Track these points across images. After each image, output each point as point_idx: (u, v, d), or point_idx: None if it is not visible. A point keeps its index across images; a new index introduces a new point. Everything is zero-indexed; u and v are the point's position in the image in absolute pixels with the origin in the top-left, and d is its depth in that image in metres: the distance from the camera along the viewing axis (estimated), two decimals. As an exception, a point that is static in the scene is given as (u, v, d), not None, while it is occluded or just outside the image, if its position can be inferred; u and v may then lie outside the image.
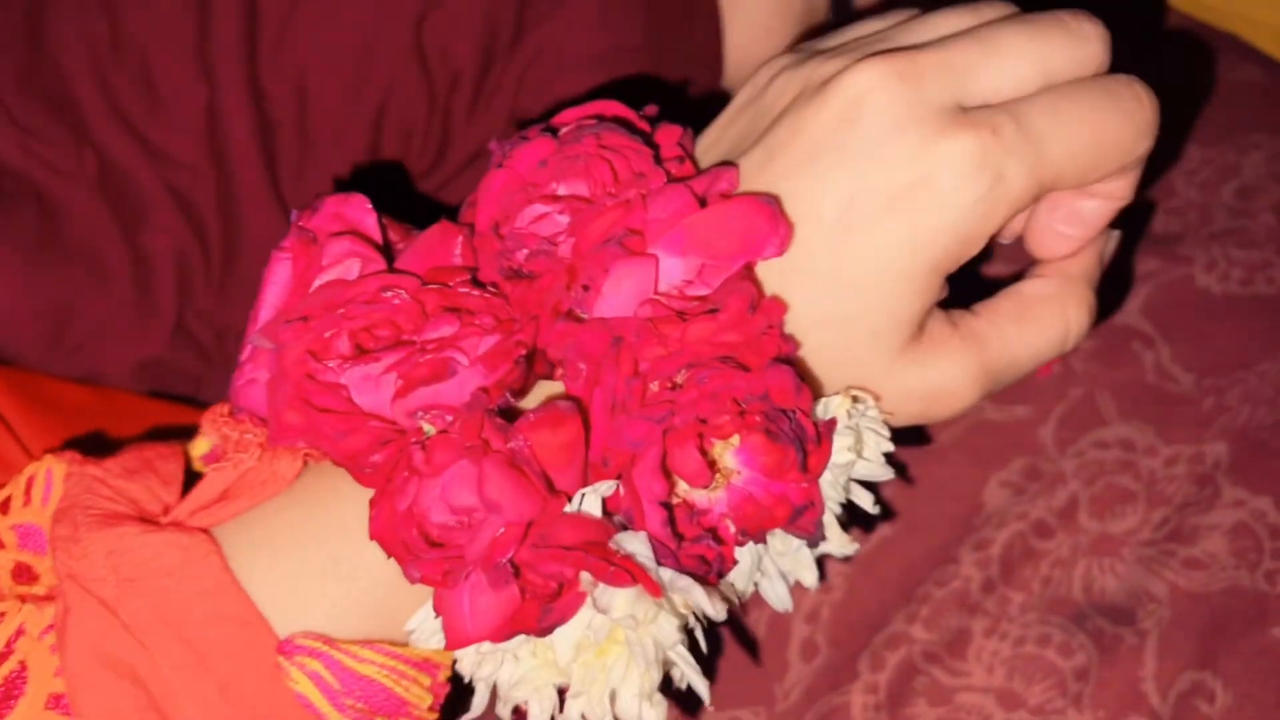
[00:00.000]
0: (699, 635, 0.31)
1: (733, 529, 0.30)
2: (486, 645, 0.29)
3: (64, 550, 0.30)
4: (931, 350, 0.33)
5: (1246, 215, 0.53)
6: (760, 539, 0.30)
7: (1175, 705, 0.40)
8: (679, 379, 0.29)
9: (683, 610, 0.30)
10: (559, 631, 0.29)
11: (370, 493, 0.29)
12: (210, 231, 0.46)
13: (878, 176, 0.30)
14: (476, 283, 0.31)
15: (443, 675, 0.31)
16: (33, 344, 0.45)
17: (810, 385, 0.31)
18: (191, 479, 0.33)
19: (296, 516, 0.31)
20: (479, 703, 0.30)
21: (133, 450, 0.34)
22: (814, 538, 0.30)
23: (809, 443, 0.29)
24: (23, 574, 0.31)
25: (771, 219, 0.30)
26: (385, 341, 0.30)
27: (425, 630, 0.30)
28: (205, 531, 0.31)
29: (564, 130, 0.32)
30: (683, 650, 0.30)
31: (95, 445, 0.39)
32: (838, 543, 0.32)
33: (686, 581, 0.29)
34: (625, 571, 0.28)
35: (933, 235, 0.30)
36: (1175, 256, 0.51)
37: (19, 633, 0.29)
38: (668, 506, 0.29)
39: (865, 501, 0.33)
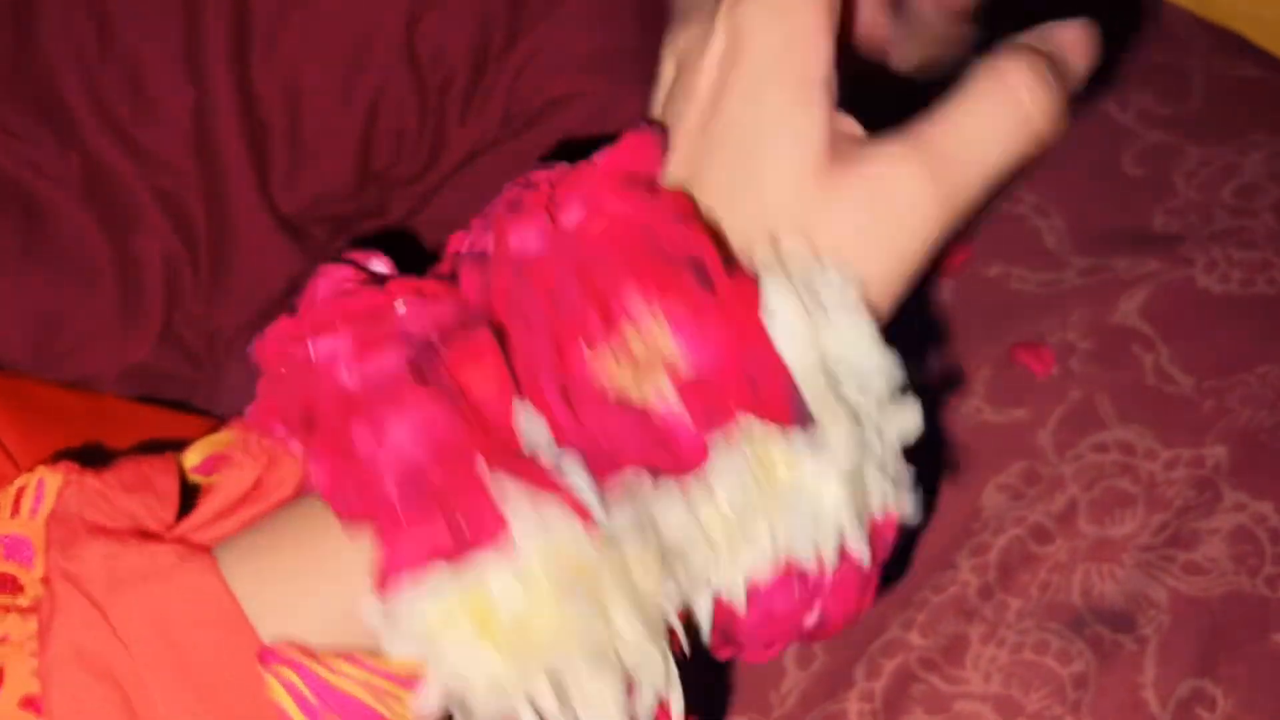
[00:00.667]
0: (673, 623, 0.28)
1: (688, 420, 0.27)
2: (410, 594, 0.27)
3: (60, 551, 0.29)
4: (855, 160, 0.28)
5: (1247, 215, 0.53)
6: (724, 420, 0.27)
7: (1175, 712, 0.40)
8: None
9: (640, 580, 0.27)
10: (486, 562, 0.27)
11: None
12: (198, 235, 0.46)
13: (715, 44, 0.30)
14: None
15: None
16: (19, 348, 0.45)
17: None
18: (187, 495, 0.33)
19: (285, 526, 0.31)
20: (425, 698, 0.28)
21: (129, 464, 0.33)
22: (797, 418, 0.27)
23: (716, 275, 0.27)
24: (6, 584, 0.31)
25: (654, 140, 0.30)
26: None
27: (376, 615, 0.28)
28: (203, 545, 0.30)
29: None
30: (649, 659, 0.27)
31: (87, 454, 0.39)
32: (842, 447, 0.27)
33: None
34: (540, 473, 0.26)
35: (764, 40, 0.28)
36: (1175, 257, 0.51)
37: (1, 640, 0.29)
38: (566, 395, 0.27)
39: (863, 399, 0.27)
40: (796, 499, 0.27)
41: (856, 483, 0.28)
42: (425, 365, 0.29)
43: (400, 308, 0.30)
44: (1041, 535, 0.44)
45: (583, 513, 0.27)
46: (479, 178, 0.50)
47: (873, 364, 0.27)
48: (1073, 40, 0.30)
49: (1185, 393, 0.47)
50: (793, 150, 0.29)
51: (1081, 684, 0.41)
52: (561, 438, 0.28)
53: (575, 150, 0.34)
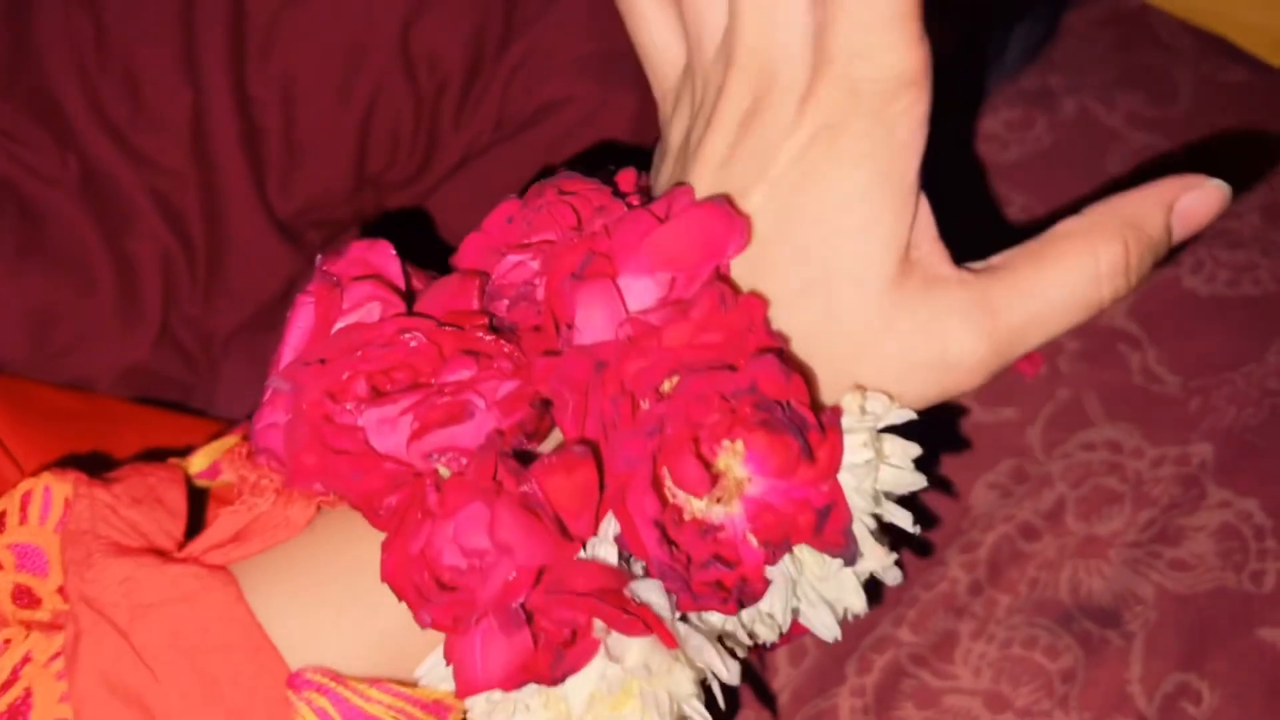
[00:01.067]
0: (715, 689, 0.30)
1: (755, 543, 0.28)
2: (498, 694, 0.28)
3: (76, 574, 0.29)
4: (927, 290, 0.28)
5: (1233, 216, 0.53)
6: (785, 550, 0.28)
7: (1162, 707, 0.40)
8: (665, 388, 0.28)
9: (699, 664, 0.29)
10: (571, 682, 0.28)
11: (384, 535, 0.29)
12: (195, 237, 0.46)
13: (797, 136, 0.29)
14: (493, 328, 0.31)
15: (453, 718, 0.31)
16: (17, 348, 0.45)
17: (807, 378, 0.29)
18: (193, 501, 0.33)
19: (313, 553, 0.31)
20: None
21: (134, 474, 0.33)
22: (846, 551, 0.28)
23: (811, 432, 0.27)
24: (23, 596, 0.31)
25: (726, 216, 0.29)
26: (402, 384, 0.30)
27: (435, 675, 0.30)
28: (221, 567, 0.30)
29: (528, 190, 0.32)
30: (698, 704, 0.29)
31: (89, 457, 0.39)
32: (876, 558, 0.30)
33: (700, 640, 0.28)
34: (639, 620, 0.27)
35: (869, 144, 0.28)
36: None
37: (25, 660, 0.29)
38: (661, 526, 0.28)
39: (901, 518, 0.30)
40: (817, 608, 0.30)
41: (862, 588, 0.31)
42: (508, 466, 0.28)
43: (463, 372, 0.30)
44: (1030, 533, 0.45)
45: (670, 642, 0.28)
46: (473, 181, 0.50)
47: (900, 511, 0.30)
48: (1184, 208, 0.31)
49: (1171, 392, 0.48)
50: (879, 255, 0.28)
51: (1069, 679, 0.41)
52: (641, 554, 0.28)
53: (586, 159, 0.35)
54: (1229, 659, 0.41)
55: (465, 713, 0.30)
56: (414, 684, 0.30)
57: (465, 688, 0.28)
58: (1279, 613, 0.41)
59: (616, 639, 0.28)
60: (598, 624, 0.28)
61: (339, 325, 0.31)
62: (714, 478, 0.28)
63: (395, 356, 0.30)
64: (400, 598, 0.29)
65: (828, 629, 0.31)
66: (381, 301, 0.32)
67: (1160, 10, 0.62)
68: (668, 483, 0.28)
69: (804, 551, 0.29)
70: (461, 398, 0.29)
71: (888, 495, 0.30)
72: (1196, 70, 0.59)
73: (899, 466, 0.30)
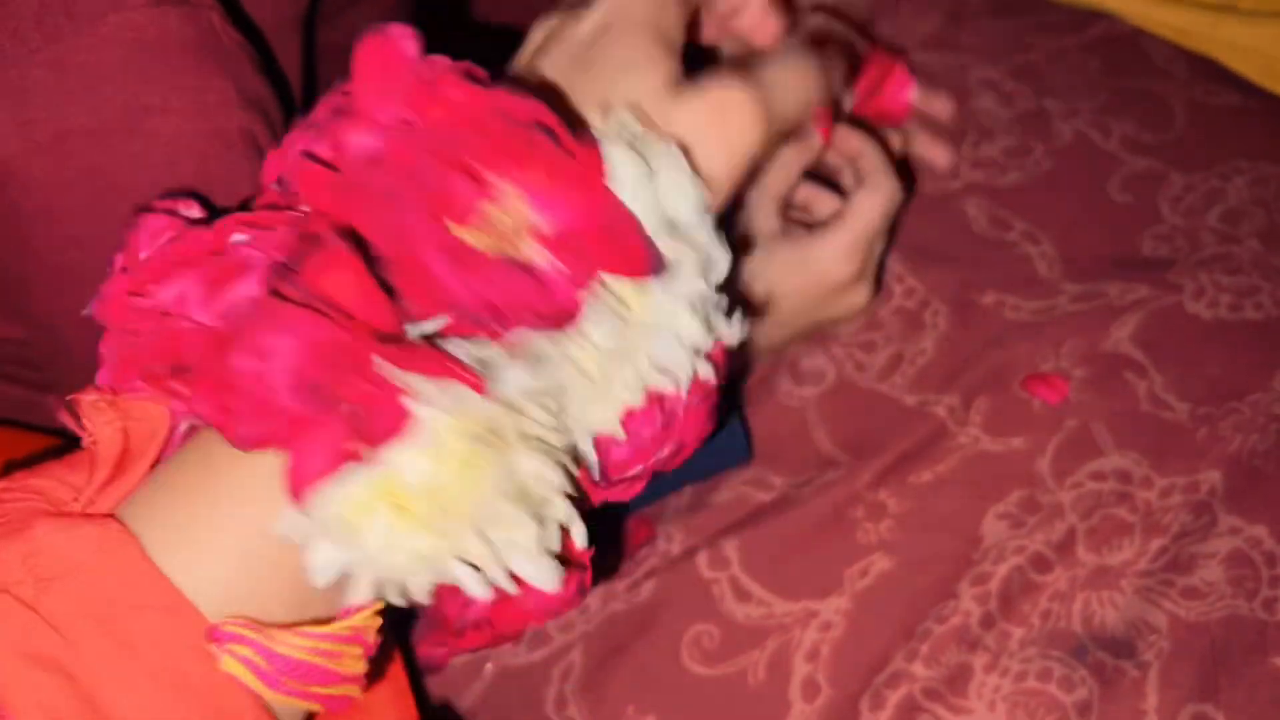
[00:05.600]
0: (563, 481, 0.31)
1: (550, 262, 0.30)
2: (333, 508, 0.28)
3: None
4: (700, 87, 0.35)
5: (1232, 241, 0.53)
6: (589, 274, 0.31)
7: (1179, 739, 0.40)
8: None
9: (537, 434, 0.30)
10: (394, 455, 0.28)
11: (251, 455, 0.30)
12: None
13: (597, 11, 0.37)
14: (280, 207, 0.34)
15: (370, 636, 0.31)
16: None
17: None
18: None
19: (204, 498, 0.31)
20: (356, 589, 0.29)
21: (39, 460, 0.34)
22: (650, 260, 0.31)
23: (565, 142, 0.31)
24: None
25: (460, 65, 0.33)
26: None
27: (294, 529, 0.30)
28: (114, 518, 0.30)
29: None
30: (548, 478, 0.30)
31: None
32: (689, 276, 0.32)
33: (517, 381, 0.30)
34: (431, 356, 0.28)
35: (646, 8, 0.36)
36: (1164, 284, 0.52)
37: None
38: (454, 259, 0.30)
39: (691, 222, 0.33)
40: (656, 331, 0.32)
41: (700, 313, 0.33)
42: (283, 284, 0.30)
43: (238, 238, 0.32)
44: (1041, 564, 0.45)
45: (475, 384, 0.29)
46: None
47: (697, 217, 0.33)
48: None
49: (1180, 419, 0.48)
50: (652, 68, 0.35)
51: (1085, 711, 0.41)
52: (449, 300, 0.30)
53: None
54: (1245, 688, 0.41)
55: (374, 630, 0.32)
56: (328, 622, 0.31)
57: (297, 485, 0.28)
58: (1293, 641, 0.41)
59: (421, 386, 0.28)
60: (408, 401, 0.28)
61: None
62: (495, 221, 0.30)
63: (183, 248, 0.32)
64: (215, 426, 0.30)
65: (674, 355, 0.32)
66: (170, 228, 0.34)
67: (1153, 35, 0.63)
68: (452, 228, 0.30)
69: (620, 286, 0.31)
70: (238, 256, 0.31)
71: (675, 218, 0.33)
72: (1190, 95, 0.60)
73: (676, 179, 0.32)
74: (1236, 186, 0.55)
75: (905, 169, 0.57)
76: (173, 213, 0.35)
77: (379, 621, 0.32)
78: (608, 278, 0.31)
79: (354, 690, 0.31)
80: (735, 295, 0.34)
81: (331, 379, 0.28)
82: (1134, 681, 0.41)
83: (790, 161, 0.49)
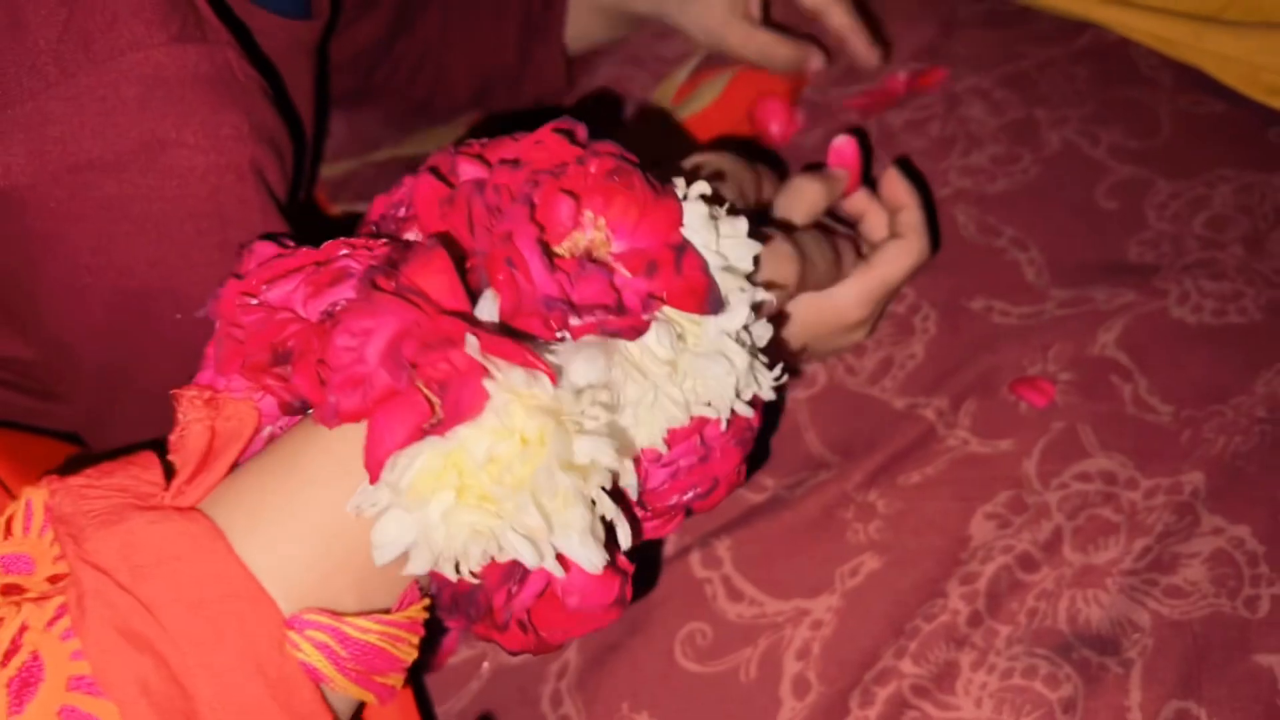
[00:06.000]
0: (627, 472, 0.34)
1: (626, 273, 0.34)
2: (405, 478, 0.31)
3: (74, 546, 0.32)
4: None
5: (1216, 247, 0.54)
6: (657, 299, 0.35)
7: (1162, 734, 0.41)
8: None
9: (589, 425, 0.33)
10: (466, 432, 0.31)
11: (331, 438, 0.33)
12: None
13: None
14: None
15: (420, 628, 0.35)
16: None
17: None
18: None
19: (273, 482, 0.34)
20: (416, 559, 0.32)
21: (104, 460, 0.36)
22: (710, 295, 0.35)
23: (653, 187, 0.35)
24: (11, 591, 0.33)
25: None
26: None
27: (366, 501, 0.32)
28: (200, 511, 0.33)
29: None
30: (599, 490, 0.33)
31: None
32: (739, 311, 0.36)
33: (587, 362, 0.33)
34: (512, 345, 0.32)
35: None
36: (1150, 289, 0.53)
37: (23, 629, 0.31)
38: (547, 250, 0.34)
39: (741, 258, 0.37)
40: (707, 360, 0.35)
41: (747, 352, 0.36)
42: (381, 279, 0.33)
43: (341, 252, 0.36)
44: (1028, 563, 0.45)
45: (549, 372, 0.32)
46: None
47: (749, 269, 0.37)
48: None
49: (1164, 422, 0.48)
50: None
51: (1070, 708, 0.42)
52: (537, 294, 0.33)
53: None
54: (1226, 685, 0.41)
55: (425, 624, 0.35)
56: (392, 612, 0.34)
57: (375, 454, 0.31)
58: (1274, 638, 0.42)
59: (496, 366, 0.31)
60: (488, 382, 0.31)
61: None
62: (583, 247, 0.35)
63: (287, 261, 0.36)
64: (311, 402, 0.33)
65: (720, 384, 0.36)
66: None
67: (1140, 45, 0.64)
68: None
69: (678, 317, 0.35)
70: (340, 264, 0.35)
71: (730, 269, 0.37)
72: (1176, 104, 0.61)
73: (732, 236, 0.37)
74: (1221, 193, 0.56)
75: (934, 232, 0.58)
76: (280, 241, 0.38)
77: (427, 615, 0.35)
78: (670, 309, 0.35)
79: (399, 681, 0.34)
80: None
81: (422, 356, 0.32)
82: (1117, 678, 0.42)
83: (810, 193, 0.51)
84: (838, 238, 0.49)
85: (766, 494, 0.50)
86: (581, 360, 0.33)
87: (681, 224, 0.36)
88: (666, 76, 0.69)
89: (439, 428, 0.31)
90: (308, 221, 0.61)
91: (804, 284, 0.46)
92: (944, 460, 0.49)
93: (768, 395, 0.38)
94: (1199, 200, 0.56)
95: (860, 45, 0.64)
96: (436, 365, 0.31)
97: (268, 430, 0.36)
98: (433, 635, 0.39)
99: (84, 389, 0.48)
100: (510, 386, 0.31)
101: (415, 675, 0.47)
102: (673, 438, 0.36)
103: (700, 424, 0.36)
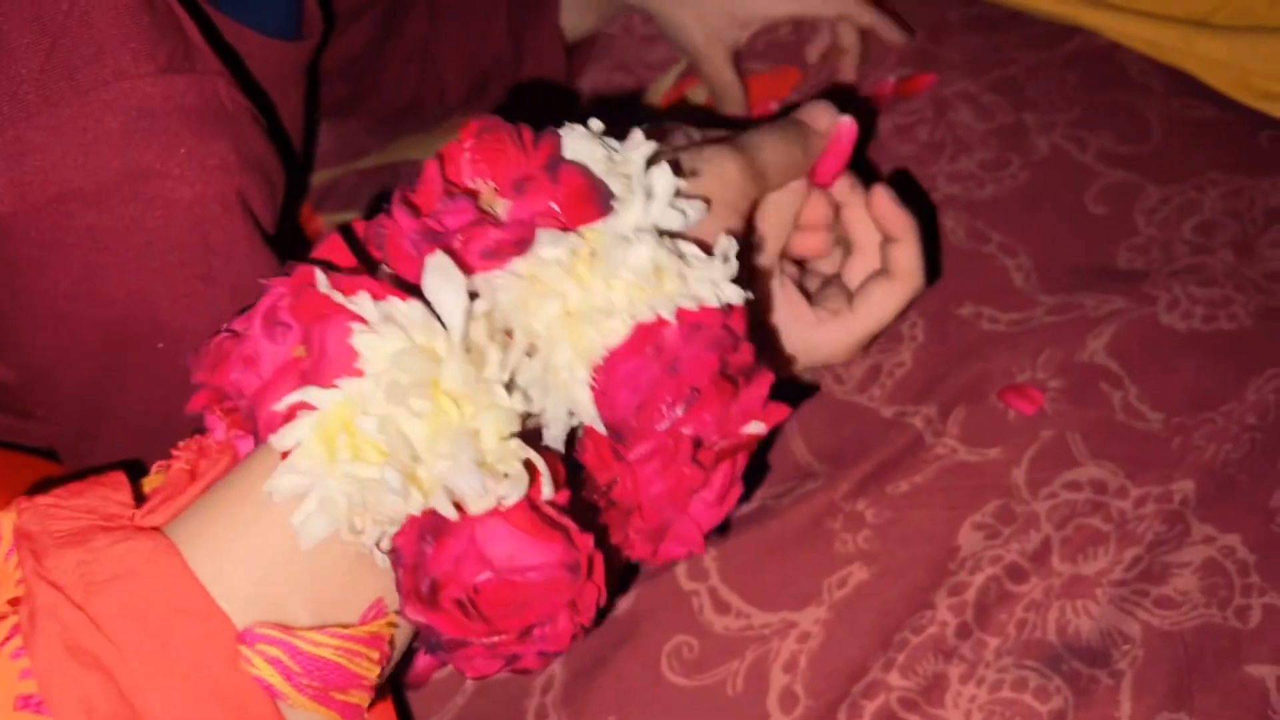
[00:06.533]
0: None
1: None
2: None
3: (33, 564, 0.31)
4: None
5: (1206, 252, 0.54)
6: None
7: (1153, 747, 0.41)
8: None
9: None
10: (347, 385, 0.32)
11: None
12: None
13: None
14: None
15: (385, 646, 0.34)
16: None
17: None
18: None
19: (230, 499, 0.34)
20: (315, 524, 0.32)
21: (73, 480, 0.36)
22: (599, 202, 0.34)
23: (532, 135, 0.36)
24: None
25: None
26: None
27: (275, 485, 0.32)
28: (160, 531, 0.33)
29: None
30: (488, 409, 0.32)
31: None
32: (629, 208, 0.35)
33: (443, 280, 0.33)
34: (367, 279, 0.32)
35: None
36: (1139, 295, 0.52)
37: None
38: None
39: (631, 158, 0.36)
40: (621, 254, 0.34)
41: (662, 247, 0.35)
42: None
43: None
44: (1017, 574, 0.45)
45: (404, 296, 0.32)
46: None
47: (644, 166, 0.36)
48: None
49: (1154, 429, 0.48)
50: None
51: (1060, 720, 0.41)
52: (401, 232, 0.33)
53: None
54: (1218, 696, 0.41)
55: (392, 641, 0.34)
56: (352, 626, 0.33)
57: (263, 427, 0.32)
58: (1265, 648, 0.42)
59: (369, 333, 0.32)
60: (354, 333, 0.32)
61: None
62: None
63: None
64: (228, 394, 0.35)
65: (643, 278, 0.34)
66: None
67: (1129, 49, 0.63)
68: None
69: (585, 233, 0.35)
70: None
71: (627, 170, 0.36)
72: (1166, 108, 0.60)
73: (619, 144, 0.37)
74: (1211, 198, 0.56)
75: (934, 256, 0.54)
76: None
77: (392, 631, 0.34)
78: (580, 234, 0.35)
79: (364, 699, 0.33)
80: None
81: (293, 312, 0.32)
82: (1108, 690, 0.42)
83: (784, 204, 0.47)
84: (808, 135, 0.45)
85: (753, 504, 0.49)
86: (439, 280, 0.32)
87: (554, 148, 0.35)
88: (652, 82, 0.69)
89: (312, 377, 0.31)
90: (295, 243, 0.61)
91: (765, 182, 0.43)
92: (932, 469, 0.48)
93: (729, 295, 0.36)
94: (1189, 205, 0.56)
95: (890, 33, 0.65)
96: (301, 314, 0.32)
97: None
98: (409, 650, 0.38)
99: (63, 414, 0.48)
100: (376, 329, 0.31)
101: (397, 691, 0.47)
102: (616, 356, 0.34)
103: (647, 331, 0.34)
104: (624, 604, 0.47)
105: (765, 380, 0.35)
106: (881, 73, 0.65)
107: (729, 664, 0.45)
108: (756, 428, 0.35)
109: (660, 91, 0.68)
